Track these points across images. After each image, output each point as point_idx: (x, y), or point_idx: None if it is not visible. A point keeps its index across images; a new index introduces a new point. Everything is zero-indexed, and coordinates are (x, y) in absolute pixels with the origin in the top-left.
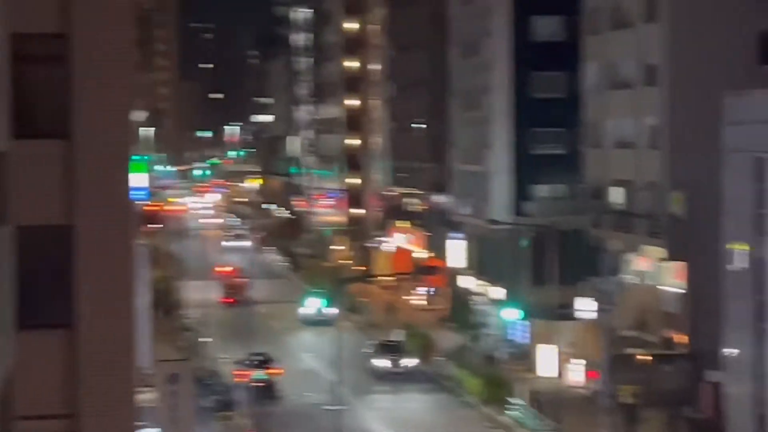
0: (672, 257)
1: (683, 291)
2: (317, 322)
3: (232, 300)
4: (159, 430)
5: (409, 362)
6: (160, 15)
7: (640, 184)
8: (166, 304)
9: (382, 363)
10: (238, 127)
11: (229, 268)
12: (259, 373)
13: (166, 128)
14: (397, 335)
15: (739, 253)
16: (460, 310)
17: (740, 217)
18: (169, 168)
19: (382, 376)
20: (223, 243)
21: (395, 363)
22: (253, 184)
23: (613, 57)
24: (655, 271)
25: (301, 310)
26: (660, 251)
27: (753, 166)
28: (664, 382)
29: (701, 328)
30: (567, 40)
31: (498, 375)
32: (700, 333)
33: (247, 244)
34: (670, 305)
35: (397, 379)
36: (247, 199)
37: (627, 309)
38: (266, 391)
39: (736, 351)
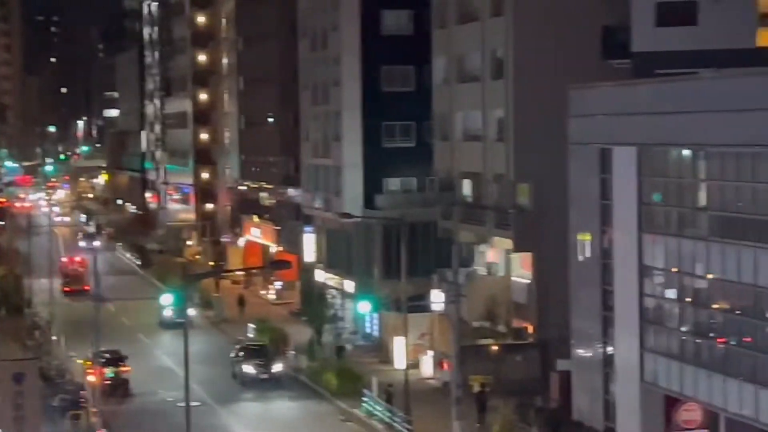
0: (519, 248)
1: (531, 281)
2: (177, 324)
3: (73, 289)
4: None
5: (277, 367)
6: (2, 7)
7: (489, 176)
8: (12, 302)
9: (249, 369)
10: (86, 122)
11: (71, 259)
12: (110, 371)
13: (10, 123)
14: (250, 330)
15: (585, 243)
16: (312, 304)
17: (586, 207)
18: (16, 164)
19: (248, 382)
20: (71, 240)
21: (262, 369)
22: (102, 180)
23: (461, 50)
24: (505, 262)
25: (163, 313)
26: (509, 242)
27: (598, 157)
28: (513, 371)
29: (550, 317)
30: (416, 33)
31: (351, 368)
32: (548, 322)
33: (97, 240)
34: (519, 296)
35: (264, 385)
36: (95, 196)
37: (476, 300)
38: (118, 389)
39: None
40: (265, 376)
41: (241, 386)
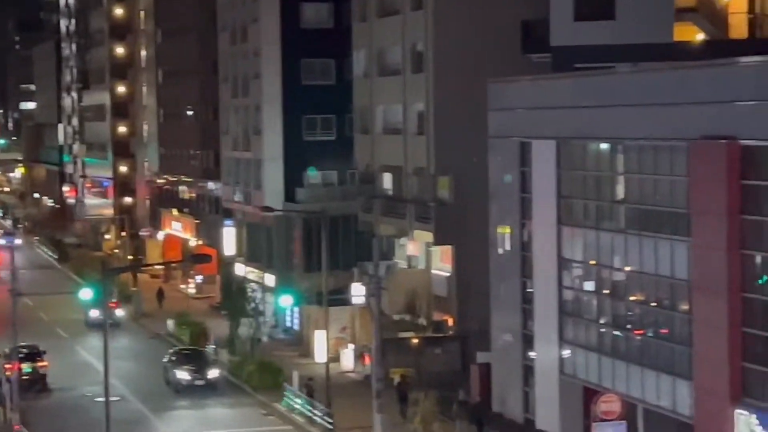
0: (439, 241)
1: (451, 274)
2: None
3: None
4: None
5: (213, 373)
6: None
7: (409, 170)
8: None
9: (183, 375)
10: (2, 115)
11: None
12: (28, 366)
13: None
14: (170, 325)
15: (505, 236)
16: (232, 298)
17: (506, 201)
18: None
19: (182, 389)
20: None
21: (198, 375)
22: (18, 173)
23: (382, 44)
24: (425, 255)
25: (89, 313)
26: (429, 235)
27: (517, 150)
28: (433, 364)
29: (470, 310)
30: (336, 27)
31: (271, 362)
32: (468, 315)
33: (14, 234)
34: (439, 289)
35: (199, 391)
36: (12, 189)
37: (397, 293)
38: (36, 384)
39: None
40: (201, 382)
41: (174, 393)
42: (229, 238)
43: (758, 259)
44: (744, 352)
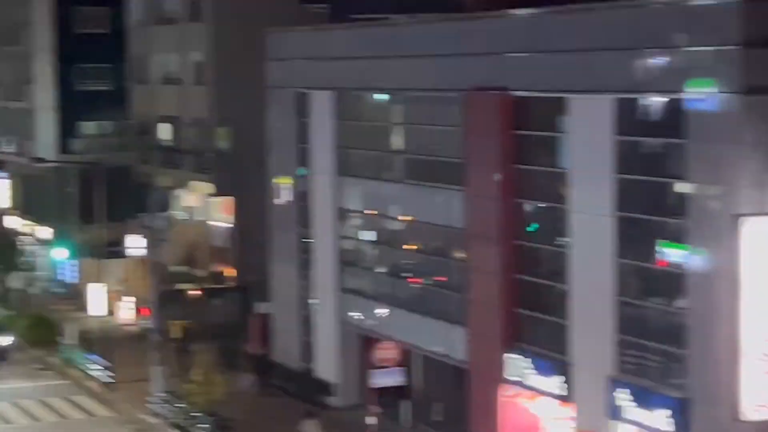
0: (219, 192)
1: (231, 225)
2: None
3: None
4: None
5: (6, 340)
6: None
7: (187, 120)
8: None
9: None
10: None
11: None
12: None
13: None
14: None
15: (284, 187)
16: (4, 252)
17: (285, 151)
18: None
19: None
20: None
21: None
22: None
23: None
24: (204, 206)
25: None
26: (208, 187)
27: (295, 101)
28: (214, 315)
29: (249, 261)
30: None
31: (46, 316)
32: (248, 266)
33: None
34: (218, 240)
35: None
36: None
37: (176, 245)
38: None
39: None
40: None
41: None
42: (2, 191)
43: (528, 207)
44: (516, 298)
